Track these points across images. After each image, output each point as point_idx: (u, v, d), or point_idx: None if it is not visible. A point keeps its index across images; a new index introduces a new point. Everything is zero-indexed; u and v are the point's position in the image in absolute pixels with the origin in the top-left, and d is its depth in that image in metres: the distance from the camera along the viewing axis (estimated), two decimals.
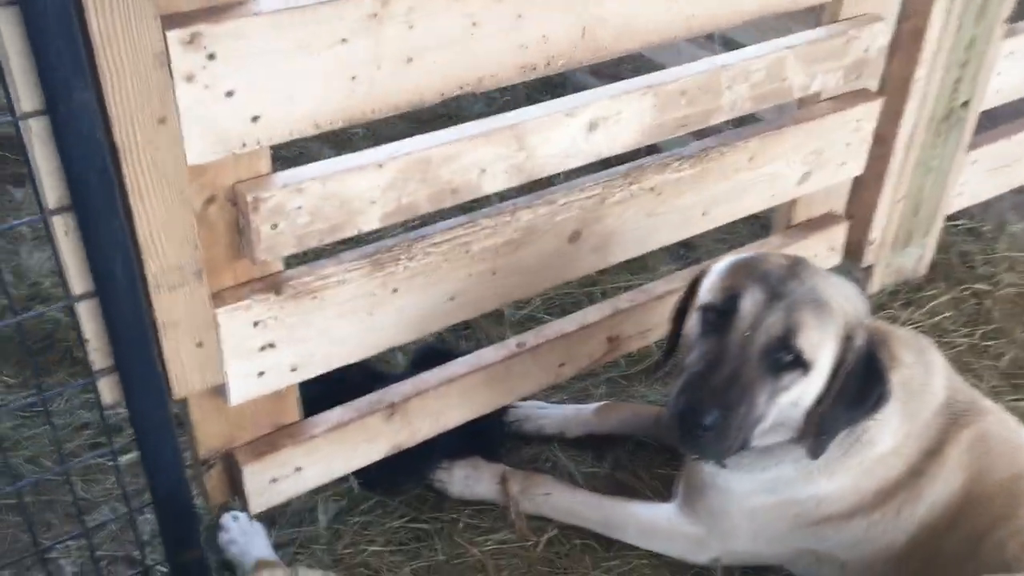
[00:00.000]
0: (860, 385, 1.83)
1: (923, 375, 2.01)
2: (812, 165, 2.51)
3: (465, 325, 2.77)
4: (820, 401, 1.82)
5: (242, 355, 1.78)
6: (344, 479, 2.25)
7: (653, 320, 2.47)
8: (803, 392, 1.80)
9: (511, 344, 2.29)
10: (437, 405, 2.17)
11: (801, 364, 1.77)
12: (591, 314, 2.40)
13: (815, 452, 1.85)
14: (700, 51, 3.08)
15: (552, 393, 2.57)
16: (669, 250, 3.03)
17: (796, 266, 1.85)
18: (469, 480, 2.27)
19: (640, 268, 2.99)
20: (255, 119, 1.56)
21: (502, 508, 2.23)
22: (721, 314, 1.81)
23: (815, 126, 2.44)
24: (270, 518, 2.18)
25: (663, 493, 2.26)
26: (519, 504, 2.22)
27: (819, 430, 1.83)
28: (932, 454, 1.96)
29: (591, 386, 2.60)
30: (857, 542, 1.97)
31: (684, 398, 1.76)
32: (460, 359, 2.25)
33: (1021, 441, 2.00)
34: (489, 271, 2.05)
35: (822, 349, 1.79)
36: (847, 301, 1.86)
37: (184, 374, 1.73)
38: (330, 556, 2.11)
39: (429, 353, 2.42)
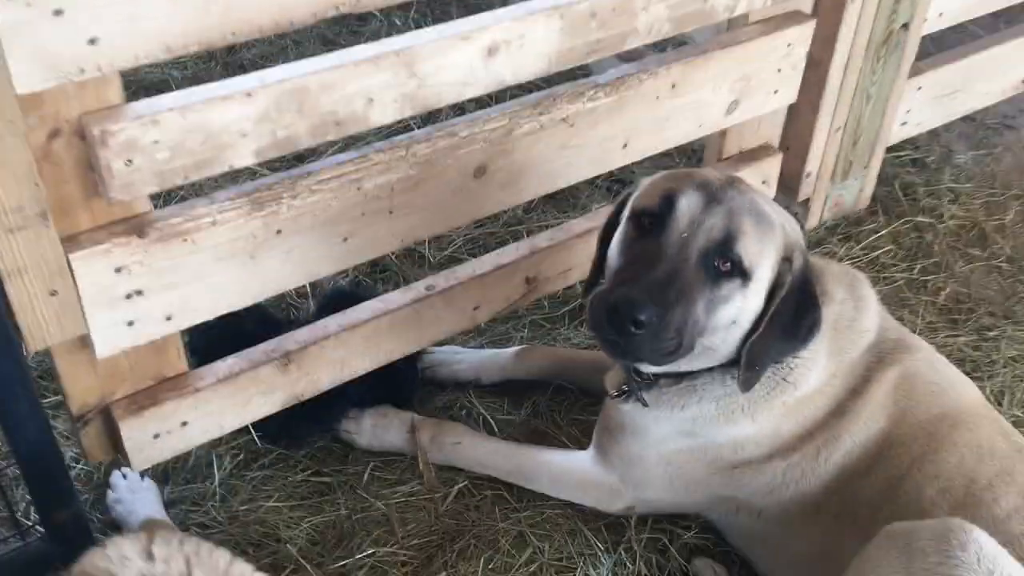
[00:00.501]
0: (795, 310, 1.74)
1: (853, 311, 1.91)
2: (740, 93, 2.37)
3: (382, 268, 2.64)
4: (757, 324, 1.73)
5: (105, 304, 1.64)
6: (244, 432, 2.13)
7: (575, 259, 2.35)
8: (741, 308, 1.70)
9: (420, 287, 2.16)
10: (339, 353, 2.05)
11: (740, 273, 1.67)
12: (507, 254, 2.27)
13: (747, 383, 1.76)
14: None
15: (471, 338, 2.46)
16: (599, 188, 2.92)
17: (734, 179, 1.77)
18: (377, 430, 2.16)
19: (569, 208, 2.86)
20: (92, 41, 1.39)
21: (412, 459, 2.13)
22: (655, 218, 1.70)
23: (742, 50, 2.30)
24: (164, 474, 2.07)
25: (582, 442, 2.17)
26: (428, 454, 2.12)
27: (751, 359, 1.74)
28: (856, 394, 1.87)
29: (512, 330, 2.49)
30: (774, 487, 1.88)
31: (618, 292, 1.63)
32: (364, 304, 2.12)
33: (947, 381, 1.91)
34: (385, 210, 1.91)
35: (762, 260, 1.69)
36: (787, 221, 1.78)
37: (39, 325, 1.59)
38: (225, 513, 2.01)
39: (338, 297, 2.28)
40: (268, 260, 1.80)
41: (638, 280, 1.64)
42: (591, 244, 1.95)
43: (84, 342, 1.70)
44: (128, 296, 1.67)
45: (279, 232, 1.78)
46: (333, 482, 2.09)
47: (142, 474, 2.00)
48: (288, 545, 1.94)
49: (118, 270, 1.62)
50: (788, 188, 2.77)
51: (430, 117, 1.96)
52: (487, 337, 2.46)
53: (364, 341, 2.08)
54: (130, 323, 1.70)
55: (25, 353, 1.62)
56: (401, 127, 1.96)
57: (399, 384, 2.25)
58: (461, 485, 2.09)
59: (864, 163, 2.88)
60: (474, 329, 2.41)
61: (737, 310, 1.70)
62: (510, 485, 2.09)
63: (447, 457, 2.12)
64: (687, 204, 1.68)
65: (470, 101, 1.98)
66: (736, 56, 2.29)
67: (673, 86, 2.22)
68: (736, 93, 2.36)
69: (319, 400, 2.13)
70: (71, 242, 1.57)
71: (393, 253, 2.66)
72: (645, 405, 1.87)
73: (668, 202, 1.69)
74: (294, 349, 1.99)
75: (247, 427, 2.14)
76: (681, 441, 1.90)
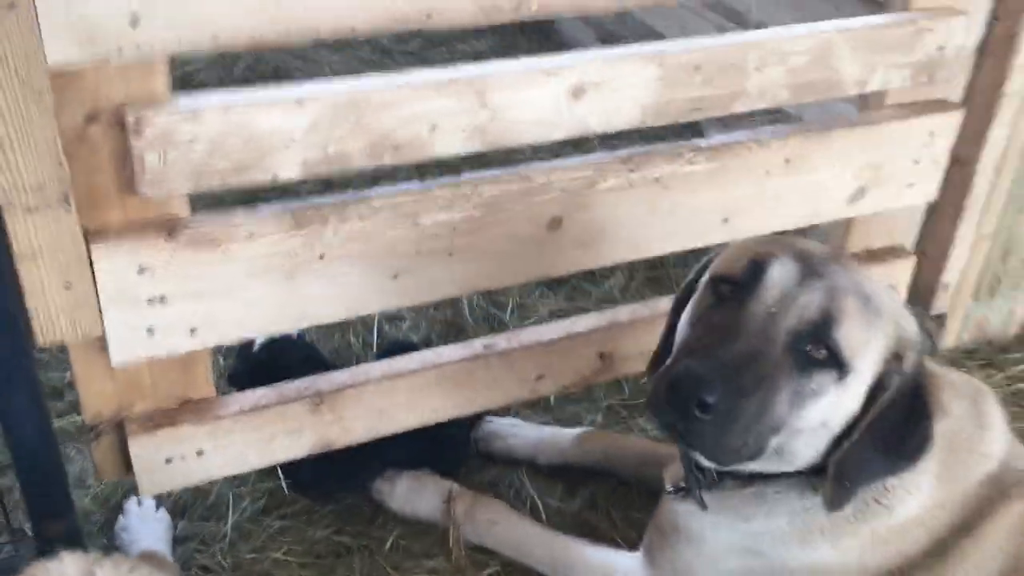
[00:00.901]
0: (902, 422, 1.43)
1: (973, 431, 1.58)
2: (867, 180, 2.11)
3: (458, 328, 2.48)
4: (850, 430, 1.44)
5: (124, 305, 1.55)
6: (273, 476, 1.99)
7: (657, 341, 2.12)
8: (834, 406, 1.41)
9: (477, 344, 1.98)
10: (378, 402, 1.88)
11: (837, 364, 1.39)
12: (581, 323, 2.07)
13: (835, 502, 1.46)
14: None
15: (536, 414, 2.24)
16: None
17: (839, 254, 1.52)
18: (411, 494, 1.96)
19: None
20: (134, 18, 1.33)
21: (443, 532, 1.92)
22: (739, 287, 1.44)
23: (873, 132, 2.06)
24: (183, 509, 1.94)
25: (636, 544, 1.89)
26: (460, 528, 1.90)
27: (841, 473, 1.44)
28: (965, 532, 1.53)
29: (584, 412, 2.26)
30: None
31: (684, 365, 1.37)
32: (413, 354, 1.95)
33: None
34: (444, 250, 1.76)
35: (865, 352, 1.40)
36: (899, 312, 1.49)
37: (50, 317, 1.50)
38: (231, 558, 1.84)
39: (400, 349, 2.13)
40: (308, 285, 1.67)
41: (709, 355, 1.38)
42: None
43: (103, 347, 1.60)
44: (150, 301, 1.57)
45: (322, 257, 1.66)
46: (353, 544, 1.89)
47: (158, 504, 1.88)
48: None
49: (141, 270, 1.53)
50: (921, 299, 2.45)
51: (507, 160, 1.80)
52: (555, 415, 2.24)
53: (408, 394, 1.91)
54: (150, 331, 1.59)
55: (34, 345, 1.53)
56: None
57: (446, 450, 2.06)
58: (492, 570, 1.85)
59: (1016, 282, 2.53)
60: (535, 400, 2.19)
61: (829, 409, 1.41)
62: None
63: (480, 535, 1.89)
64: (780, 273, 1.42)
65: (549, 147, 1.82)
66: (866, 138, 2.05)
67: (787, 161, 2.00)
68: (863, 180, 2.11)
69: (357, 454, 1.96)
70: (96, 234, 1.49)
71: (470, 312, 2.51)
72: (703, 508, 1.59)
73: (756, 269, 1.43)
74: (328, 390, 1.84)
75: (276, 472, 1.99)
76: (742, 559, 1.61)
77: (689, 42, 1.79)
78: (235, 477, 2.00)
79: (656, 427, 1.52)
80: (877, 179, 2.12)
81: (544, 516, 1.98)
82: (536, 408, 2.26)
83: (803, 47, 1.85)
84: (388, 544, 1.89)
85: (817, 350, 1.39)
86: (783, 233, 1.77)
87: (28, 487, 1.62)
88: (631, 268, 2.69)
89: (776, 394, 1.38)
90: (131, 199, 1.51)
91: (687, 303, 1.57)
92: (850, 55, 1.91)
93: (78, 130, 1.42)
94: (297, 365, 1.94)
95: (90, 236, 1.49)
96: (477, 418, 2.14)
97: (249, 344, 2.07)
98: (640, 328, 2.09)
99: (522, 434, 2.13)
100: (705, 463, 1.57)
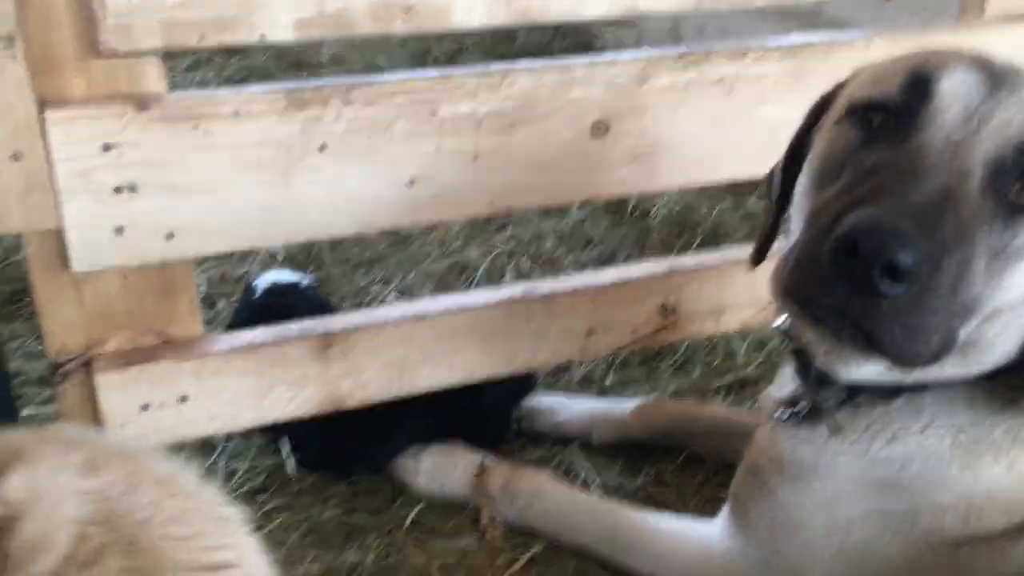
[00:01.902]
0: None
1: None
2: None
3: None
4: None
5: (87, 191, 1.30)
6: (275, 454, 1.68)
7: (732, 297, 1.79)
8: None
9: (516, 288, 1.68)
10: (398, 351, 1.58)
11: None
12: (637, 269, 1.76)
13: None
14: None
15: (586, 389, 1.91)
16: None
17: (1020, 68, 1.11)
18: (439, 470, 1.63)
19: None
20: None
21: (476, 510, 1.57)
22: (899, 114, 1.07)
23: (974, 38, 1.76)
24: None
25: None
26: (496, 505, 1.55)
27: None
28: None
29: (647, 393, 1.91)
30: None
31: (857, 217, 0.96)
32: (440, 296, 1.66)
33: None
34: (468, 152, 1.49)
35: None
36: None
37: None
38: None
39: None
40: (306, 185, 1.42)
41: (890, 197, 0.98)
42: (758, 282, 1.31)
43: (65, 259, 1.35)
44: (118, 189, 1.32)
45: (323, 148, 1.40)
46: (368, 523, 1.55)
47: None
48: None
49: (107, 148, 1.29)
50: None
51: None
52: (610, 396, 1.90)
53: (434, 342, 1.60)
54: (118, 230, 1.34)
55: None
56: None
57: (483, 424, 1.73)
58: (535, 551, 1.49)
59: None
60: (585, 358, 1.85)
61: None
62: (603, 560, 1.46)
63: (520, 513, 1.54)
64: (958, 86, 1.05)
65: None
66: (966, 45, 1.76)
67: None
68: None
69: (377, 425, 1.65)
70: (51, 103, 1.27)
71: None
72: (839, 431, 1.22)
73: (921, 84, 1.06)
74: (338, 331, 1.55)
75: (278, 448, 1.69)
76: (871, 500, 1.22)
77: None
78: (228, 449, 1.69)
79: (802, 321, 1.13)
80: None
81: (601, 495, 1.61)
82: (589, 389, 1.92)
83: None
84: (410, 521, 1.55)
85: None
86: None
87: None
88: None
89: (975, 255, 1.00)
90: (95, 64, 1.29)
91: (800, 159, 1.24)
92: None
93: None
94: (305, 314, 1.66)
95: (46, 104, 1.26)
96: (520, 392, 1.81)
97: (250, 290, 1.80)
98: (707, 281, 1.77)
99: (573, 407, 1.79)
100: (849, 374, 1.20)
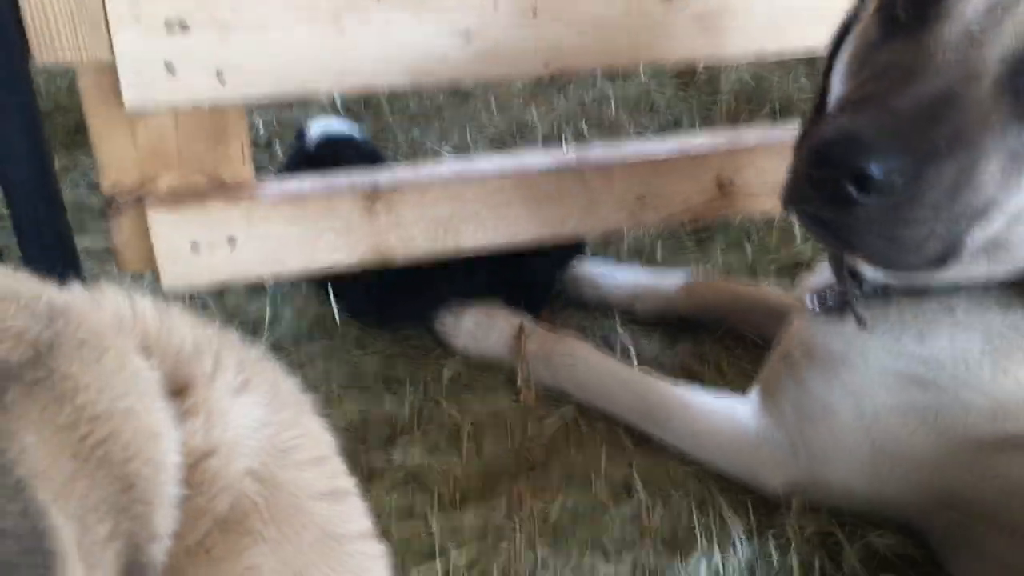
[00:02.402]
0: None
1: None
2: None
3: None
4: None
5: (136, 23, 1.29)
6: (323, 303, 1.71)
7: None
8: None
9: (568, 153, 1.65)
10: (444, 209, 1.57)
11: None
12: (695, 140, 1.71)
13: None
14: None
15: (632, 258, 1.89)
16: None
17: None
18: (479, 330, 1.64)
19: None
20: None
21: (511, 371, 1.59)
22: (920, 6, 1.01)
23: None
24: (211, 318, 1.67)
25: None
26: (531, 367, 1.57)
27: None
28: None
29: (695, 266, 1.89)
30: None
31: (834, 124, 0.95)
32: (491, 156, 1.64)
33: None
34: (527, 6, 1.43)
35: None
36: None
37: (46, 24, 1.26)
38: None
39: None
40: (358, 34, 1.38)
41: (873, 104, 0.96)
42: None
43: (117, 95, 1.35)
44: (168, 24, 1.30)
45: None
46: (406, 375, 1.59)
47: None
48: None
49: None
50: None
51: None
52: (659, 269, 1.88)
53: (481, 202, 1.59)
54: (169, 66, 1.33)
55: (32, 60, 1.29)
56: None
57: (527, 286, 1.73)
58: (564, 409, 1.51)
59: None
60: (635, 227, 1.82)
61: None
62: (631, 427, 1.48)
63: (556, 376, 1.56)
64: None
65: None
66: None
67: None
68: None
69: (422, 280, 1.67)
70: None
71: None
72: (862, 325, 1.20)
73: None
74: (386, 184, 1.54)
75: (326, 297, 1.71)
76: (901, 393, 1.21)
77: None
78: (277, 293, 1.73)
79: (799, 223, 1.13)
80: None
81: (637, 366, 1.62)
82: (640, 257, 1.90)
83: None
84: (446, 378, 1.58)
85: None
86: None
87: (27, 247, 1.39)
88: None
89: (981, 158, 0.95)
90: None
91: (844, 44, 1.19)
92: None
93: None
94: (357, 164, 1.66)
95: None
96: (567, 258, 1.80)
97: (301, 136, 1.80)
98: (767, 157, 1.71)
99: (619, 276, 1.77)
100: (869, 272, 1.19)
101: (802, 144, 1.27)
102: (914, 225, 0.96)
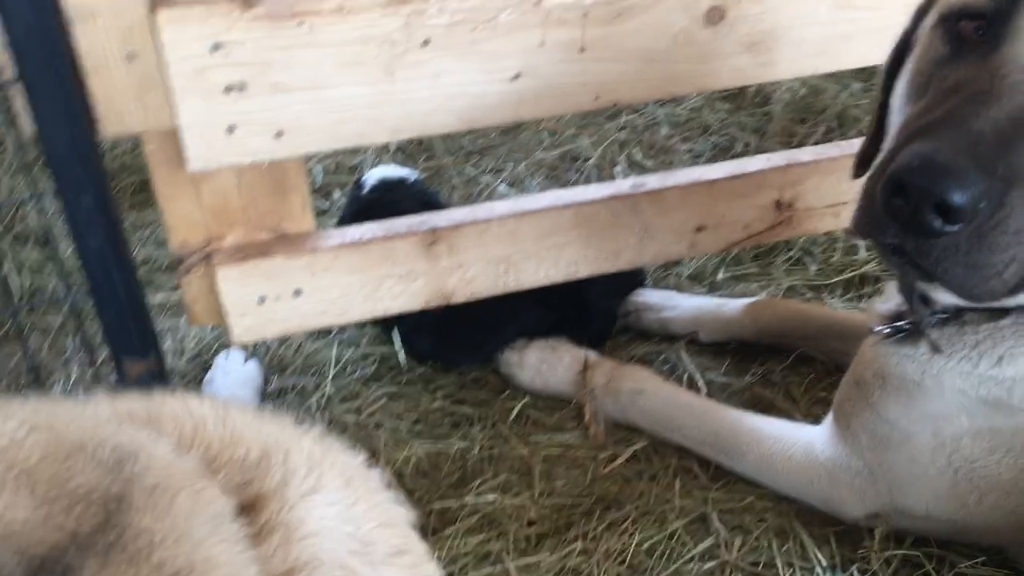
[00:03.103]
0: None
1: None
2: None
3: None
4: None
5: (199, 90, 1.32)
6: (387, 343, 1.73)
7: (852, 191, 1.70)
8: None
9: (624, 183, 1.65)
10: (503, 248, 1.58)
11: None
12: (752, 163, 1.69)
13: None
14: None
15: (693, 286, 1.88)
16: None
17: None
18: (544, 366, 1.65)
19: None
20: None
21: (580, 407, 1.59)
22: (988, 20, 0.99)
23: None
24: (281, 364, 1.71)
25: None
26: (598, 401, 1.57)
27: None
28: None
29: (759, 289, 1.87)
30: None
31: (909, 152, 0.92)
32: (546, 192, 1.65)
33: None
34: (574, 44, 1.44)
35: None
36: None
37: (113, 95, 1.30)
38: (327, 413, 1.59)
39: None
40: (409, 81, 1.40)
41: (949, 127, 0.93)
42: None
43: (181, 157, 1.39)
44: (228, 89, 1.34)
45: (426, 43, 1.38)
46: (473, 414, 1.60)
47: (249, 357, 1.67)
48: (388, 467, 1.47)
49: (215, 47, 1.30)
50: None
51: None
52: (722, 294, 1.86)
53: (538, 239, 1.60)
54: (230, 129, 1.37)
55: (99, 135, 1.34)
56: None
57: (589, 320, 1.73)
58: (637, 447, 1.50)
59: None
60: (693, 256, 1.82)
61: None
62: (705, 460, 1.47)
63: (623, 410, 1.55)
64: None
65: None
66: None
67: None
68: None
69: (485, 320, 1.68)
70: (162, 2, 1.29)
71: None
72: (937, 351, 1.18)
73: None
74: (444, 226, 1.56)
75: (391, 339, 1.74)
76: (979, 417, 1.18)
77: None
78: (342, 339, 1.76)
79: (876, 252, 1.10)
80: None
81: (705, 393, 1.61)
82: (700, 284, 1.89)
83: None
84: (514, 414, 1.58)
85: None
86: None
87: (107, 321, 1.43)
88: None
89: None
90: None
91: (904, 62, 1.17)
92: None
93: None
94: (412, 208, 1.68)
95: (157, 4, 1.28)
96: (627, 288, 1.80)
97: (359, 186, 1.83)
98: (825, 174, 1.69)
99: (681, 305, 1.77)
100: (942, 297, 1.16)
101: (864, 164, 1.26)
102: (997, 251, 0.93)
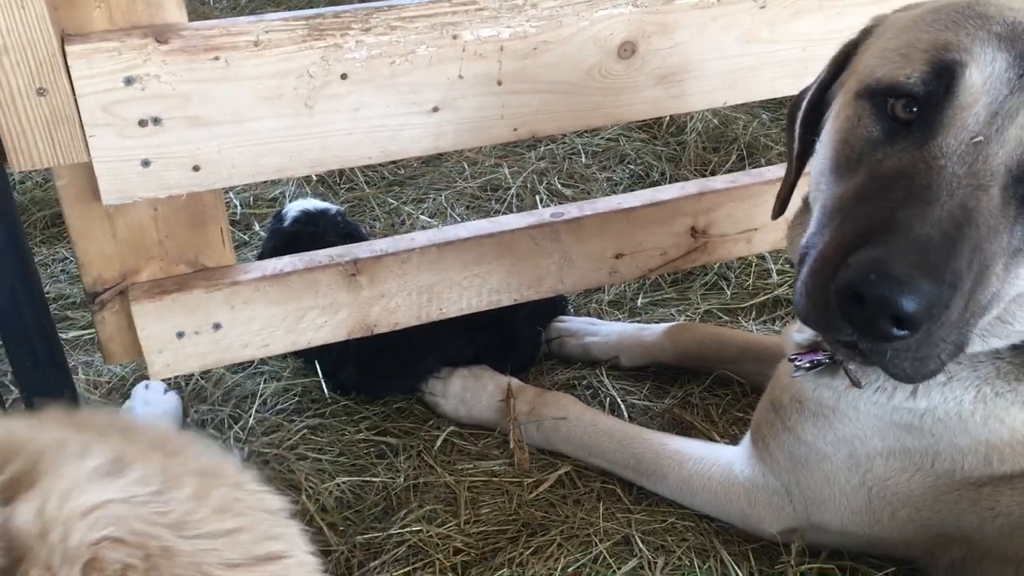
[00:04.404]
0: None
1: None
2: None
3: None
4: None
5: (112, 125, 1.31)
6: (311, 374, 1.72)
7: (763, 218, 1.76)
8: None
9: (544, 212, 1.68)
10: (425, 277, 1.59)
11: None
12: (666, 191, 1.74)
13: None
14: None
15: (612, 313, 1.92)
16: None
17: None
18: (467, 395, 1.66)
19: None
20: None
21: (504, 435, 1.60)
22: (921, 103, 1.01)
23: None
24: (201, 396, 1.69)
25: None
26: (522, 428, 1.58)
27: None
28: None
29: (676, 314, 1.92)
30: None
31: (861, 261, 0.94)
32: (467, 222, 1.66)
33: None
34: (491, 77, 1.47)
35: None
36: None
37: (23, 133, 1.28)
38: (247, 446, 1.57)
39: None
40: (329, 114, 1.41)
41: (897, 233, 0.94)
42: (792, 202, 1.33)
43: (95, 192, 1.37)
44: (142, 123, 1.33)
45: (344, 77, 1.39)
46: (398, 445, 1.60)
47: (169, 388, 1.64)
48: (310, 500, 1.46)
49: (129, 81, 1.29)
50: None
51: None
52: (643, 320, 1.90)
53: (461, 268, 1.61)
54: (145, 163, 1.35)
55: (10, 171, 1.31)
56: None
57: (512, 347, 1.75)
58: (561, 472, 1.52)
59: None
60: (613, 283, 1.86)
61: None
62: (628, 482, 1.50)
63: (547, 436, 1.57)
64: (984, 78, 0.98)
65: None
66: None
67: None
68: None
69: (408, 350, 1.68)
70: (71, 36, 1.27)
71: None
72: (856, 386, 1.22)
73: (945, 74, 0.99)
74: (366, 257, 1.56)
75: (313, 370, 1.73)
76: (892, 440, 1.23)
77: None
78: (264, 372, 1.74)
79: (828, 346, 1.13)
80: None
81: (627, 417, 1.64)
82: (620, 310, 1.93)
83: None
84: (439, 443, 1.59)
85: None
86: None
87: (13, 349, 1.40)
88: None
89: (992, 264, 0.97)
90: (118, 2, 1.29)
91: (820, 113, 1.20)
92: None
93: None
94: (335, 240, 1.68)
95: (67, 38, 1.26)
96: (549, 316, 1.83)
97: (280, 219, 1.83)
98: (737, 201, 1.75)
99: (601, 331, 1.80)
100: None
101: (783, 206, 1.30)
102: (940, 344, 0.97)
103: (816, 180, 1.15)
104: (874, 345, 0.97)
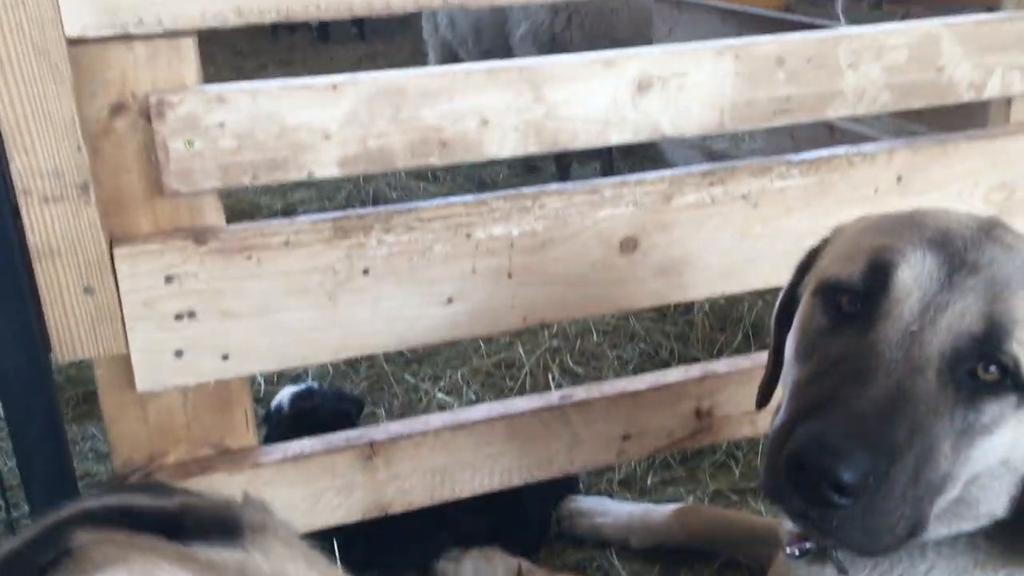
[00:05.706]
0: None
1: None
2: (999, 206, 1.83)
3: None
4: None
5: (151, 319, 1.42)
6: (322, 542, 1.74)
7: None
8: (1015, 441, 1.06)
9: (553, 395, 1.75)
10: (439, 459, 1.65)
11: (1016, 386, 1.04)
12: (671, 374, 1.81)
13: None
14: None
15: (632, 497, 1.95)
16: None
17: (991, 224, 1.14)
18: (479, 575, 1.68)
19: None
20: None
21: None
22: (862, 298, 1.10)
23: (1000, 146, 1.80)
24: None
25: None
26: None
27: None
28: None
29: (686, 495, 1.94)
30: None
31: (803, 433, 1.01)
32: (479, 405, 1.73)
33: None
34: (502, 271, 1.58)
35: None
36: None
37: (68, 327, 1.38)
38: None
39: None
40: (351, 306, 1.51)
41: (836, 407, 1.02)
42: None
43: (130, 378, 1.46)
44: (178, 317, 1.43)
45: (366, 272, 1.50)
46: None
47: None
48: None
49: (169, 279, 1.41)
50: None
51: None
52: (653, 499, 1.93)
53: (474, 450, 1.67)
54: (179, 353, 1.45)
55: (54, 358, 1.41)
56: None
57: (523, 527, 1.79)
58: None
59: None
60: (621, 463, 1.90)
61: (1010, 444, 1.07)
62: None
63: None
64: (913, 276, 1.07)
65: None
66: (991, 152, 1.80)
67: (899, 179, 1.76)
68: (993, 205, 1.83)
69: (418, 526, 1.72)
70: (120, 239, 1.40)
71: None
72: (843, 572, 1.25)
73: (880, 272, 1.09)
74: (382, 440, 1.63)
75: (328, 548, 1.75)
76: None
77: (773, 36, 1.62)
78: None
79: (784, 515, 1.20)
80: (1009, 204, 1.84)
81: None
82: (631, 489, 1.96)
83: (900, 41, 1.66)
84: None
85: (986, 372, 1.04)
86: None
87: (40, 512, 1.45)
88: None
89: (936, 443, 1.03)
90: (160, 203, 1.42)
91: (792, 314, 1.30)
92: (957, 51, 1.70)
93: (103, 123, 1.36)
94: (331, 406, 1.77)
95: (115, 241, 1.39)
96: (559, 495, 1.87)
97: (278, 410, 1.93)
98: (740, 384, 1.81)
99: (612, 511, 1.83)
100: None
101: (765, 397, 1.37)
102: (887, 515, 1.02)
103: (785, 370, 1.23)
104: (822, 512, 1.02)
